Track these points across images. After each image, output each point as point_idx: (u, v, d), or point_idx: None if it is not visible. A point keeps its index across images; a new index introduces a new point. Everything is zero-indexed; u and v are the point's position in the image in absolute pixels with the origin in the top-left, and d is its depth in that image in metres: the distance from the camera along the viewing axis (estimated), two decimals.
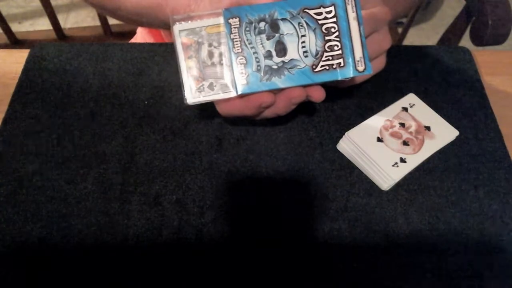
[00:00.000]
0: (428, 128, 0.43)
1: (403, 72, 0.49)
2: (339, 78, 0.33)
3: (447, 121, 0.44)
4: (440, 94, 0.48)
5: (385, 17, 0.37)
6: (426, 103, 0.45)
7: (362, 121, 0.43)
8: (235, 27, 0.33)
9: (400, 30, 0.88)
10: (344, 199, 0.40)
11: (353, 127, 0.42)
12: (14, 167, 0.42)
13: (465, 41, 0.65)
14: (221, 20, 0.33)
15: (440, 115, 0.44)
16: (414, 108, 0.44)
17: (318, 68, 0.33)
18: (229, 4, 0.34)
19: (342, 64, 0.33)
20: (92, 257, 0.37)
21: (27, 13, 1.61)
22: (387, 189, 0.41)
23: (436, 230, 0.39)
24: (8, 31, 0.85)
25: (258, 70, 0.33)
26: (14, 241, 0.38)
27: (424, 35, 1.61)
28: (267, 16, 0.33)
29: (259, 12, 0.33)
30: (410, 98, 0.45)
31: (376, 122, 0.43)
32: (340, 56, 0.33)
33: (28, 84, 0.47)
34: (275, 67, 0.33)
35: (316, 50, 0.33)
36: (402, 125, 0.43)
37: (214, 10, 0.34)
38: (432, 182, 0.42)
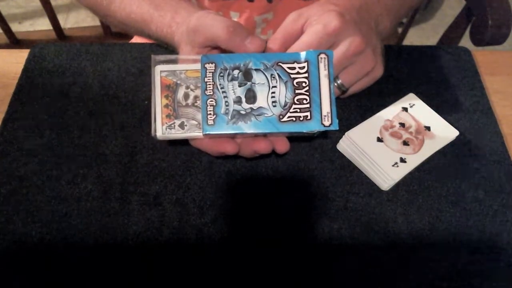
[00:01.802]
0: (428, 128, 0.43)
1: (403, 72, 0.49)
2: (304, 130, 0.34)
3: (447, 121, 0.44)
4: (440, 94, 0.48)
5: (358, 49, 0.38)
6: (426, 103, 0.45)
7: (362, 121, 0.43)
8: (210, 72, 0.34)
9: (400, 30, 0.88)
10: (344, 199, 0.40)
11: (353, 127, 0.42)
12: (14, 167, 0.42)
13: (465, 41, 0.65)
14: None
15: (440, 115, 0.44)
16: (414, 108, 0.44)
17: (285, 119, 0.34)
18: (203, 40, 0.36)
19: (308, 117, 0.34)
20: (92, 257, 0.37)
21: (27, 13, 1.60)
22: (387, 189, 0.41)
23: (436, 230, 0.39)
24: (8, 31, 0.85)
25: (226, 113, 0.34)
26: (14, 241, 0.38)
27: (424, 35, 1.61)
28: (241, 65, 0.35)
29: (235, 60, 0.35)
30: (410, 98, 0.45)
31: (376, 122, 0.43)
32: (307, 109, 0.34)
33: (28, 84, 0.47)
34: (243, 112, 0.34)
35: (285, 101, 0.34)
36: (402, 125, 0.43)
37: (195, 56, 0.36)
38: (432, 182, 0.42)
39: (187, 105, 0.35)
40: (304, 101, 0.34)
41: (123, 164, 0.42)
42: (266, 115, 0.34)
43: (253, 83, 0.34)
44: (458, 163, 0.43)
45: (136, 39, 0.73)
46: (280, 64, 0.34)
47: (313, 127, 0.34)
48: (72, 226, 0.38)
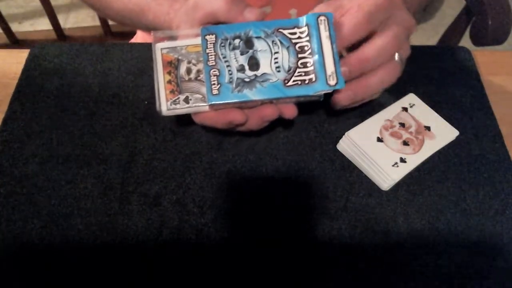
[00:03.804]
0: (428, 128, 0.43)
1: (403, 72, 0.49)
2: (311, 93, 0.34)
3: (447, 121, 0.44)
4: (440, 94, 0.48)
5: (411, 30, 0.37)
6: (426, 103, 0.45)
7: (362, 121, 0.43)
8: (211, 43, 0.34)
9: None
10: (344, 199, 0.40)
11: (353, 127, 0.42)
12: (14, 167, 0.42)
13: (465, 41, 0.65)
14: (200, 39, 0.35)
15: (440, 115, 0.44)
16: (414, 108, 0.44)
17: (290, 83, 0.34)
18: (202, 15, 0.36)
19: (313, 80, 0.34)
20: (92, 257, 0.37)
21: (27, 13, 1.61)
22: (387, 189, 0.41)
23: (436, 230, 0.39)
24: (8, 31, 0.85)
25: (231, 82, 0.34)
26: (14, 241, 0.38)
27: (424, 35, 1.61)
28: (242, 34, 0.34)
29: (235, 30, 0.34)
30: (410, 98, 0.45)
31: (376, 122, 0.43)
32: (312, 72, 0.34)
33: (28, 84, 0.47)
34: (247, 79, 0.34)
35: (289, 66, 0.34)
36: (402, 125, 0.43)
37: (194, 30, 0.35)
38: (432, 182, 0.42)
39: (190, 80, 0.35)
40: (308, 64, 0.34)
41: (123, 164, 0.42)
42: (270, 80, 0.34)
43: (255, 50, 0.34)
44: (458, 163, 0.43)
45: (136, 39, 0.73)
46: (281, 30, 0.34)
47: (319, 88, 0.34)
48: (72, 226, 0.38)
